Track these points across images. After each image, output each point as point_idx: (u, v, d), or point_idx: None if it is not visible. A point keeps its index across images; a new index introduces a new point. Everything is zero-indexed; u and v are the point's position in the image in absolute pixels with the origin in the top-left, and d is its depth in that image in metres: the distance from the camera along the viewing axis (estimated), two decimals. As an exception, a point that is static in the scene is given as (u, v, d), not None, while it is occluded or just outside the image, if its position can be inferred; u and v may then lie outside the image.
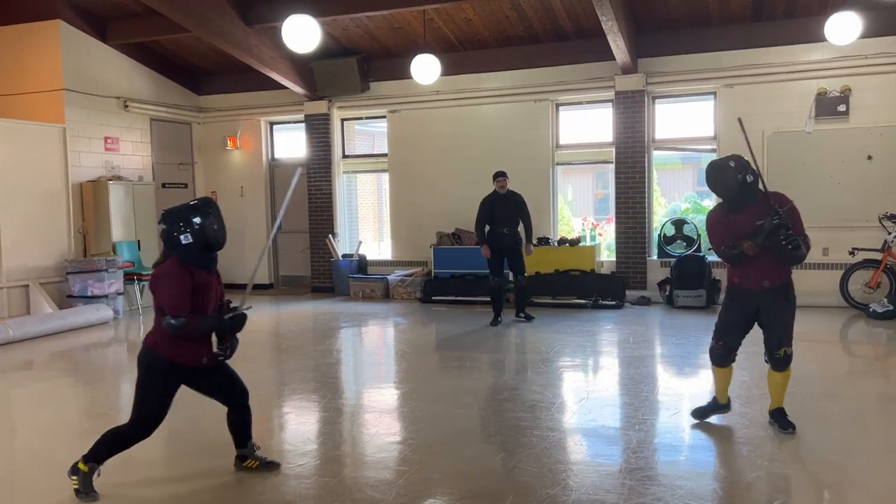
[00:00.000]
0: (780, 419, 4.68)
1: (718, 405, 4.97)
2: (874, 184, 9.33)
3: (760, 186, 4.54)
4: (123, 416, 5.87)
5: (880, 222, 8.95)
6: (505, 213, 8.77)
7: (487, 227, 8.82)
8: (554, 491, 3.85)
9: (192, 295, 3.77)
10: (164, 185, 12.20)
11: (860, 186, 9.39)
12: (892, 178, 9.26)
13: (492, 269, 8.90)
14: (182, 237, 3.78)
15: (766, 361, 4.70)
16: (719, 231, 4.66)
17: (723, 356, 4.83)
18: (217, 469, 4.33)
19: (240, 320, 4.00)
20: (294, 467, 4.36)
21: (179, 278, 3.76)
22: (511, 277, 9.10)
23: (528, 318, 9.00)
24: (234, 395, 4.16)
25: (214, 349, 4.01)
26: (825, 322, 8.55)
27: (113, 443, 3.93)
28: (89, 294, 9.81)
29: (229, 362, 4.11)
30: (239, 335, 4.04)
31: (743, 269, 4.59)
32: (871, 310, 8.68)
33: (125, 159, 11.47)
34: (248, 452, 4.22)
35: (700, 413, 4.96)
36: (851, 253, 9.06)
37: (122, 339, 9.17)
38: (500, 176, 8.84)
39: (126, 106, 11.43)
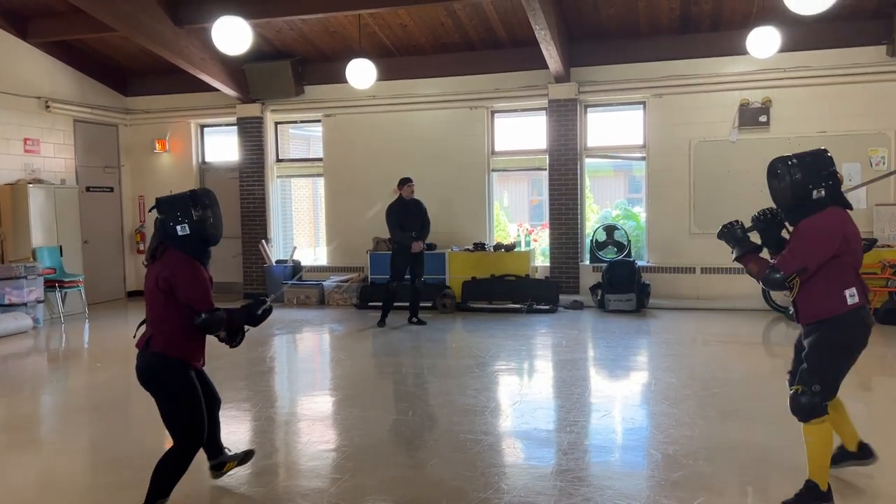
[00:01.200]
0: (799, 492, 3.63)
1: (847, 453, 3.97)
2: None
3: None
4: (43, 428, 5.65)
5: (799, 228, 9.33)
6: (412, 219, 9.01)
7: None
8: (486, 494, 3.86)
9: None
10: (88, 189, 11.77)
11: (780, 194, 9.77)
12: (810, 186, 9.68)
13: (395, 272, 9.12)
14: (178, 227, 3.56)
15: None
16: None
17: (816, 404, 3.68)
18: (141, 480, 4.19)
19: (267, 313, 3.88)
20: (224, 478, 4.25)
21: (200, 270, 3.59)
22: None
23: (422, 323, 9.12)
24: (213, 403, 3.99)
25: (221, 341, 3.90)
26: (749, 325, 8.87)
27: (175, 470, 3.59)
28: (6, 302, 9.37)
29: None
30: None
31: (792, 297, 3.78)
32: (791, 313, 9.01)
33: (47, 161, 11.01)
34: (224, 459, 4.11)
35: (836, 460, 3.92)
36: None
37: (42, 348, 8.78)
38: (407, 182, 9.12)
39: (48, 106, 10.99)
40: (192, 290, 3.53)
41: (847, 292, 3.56)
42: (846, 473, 4.03)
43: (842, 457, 3.90)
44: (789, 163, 3.61)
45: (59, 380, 7.33)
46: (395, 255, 9.17)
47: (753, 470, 4.20)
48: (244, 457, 4.20)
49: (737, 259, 3.90)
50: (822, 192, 3.54)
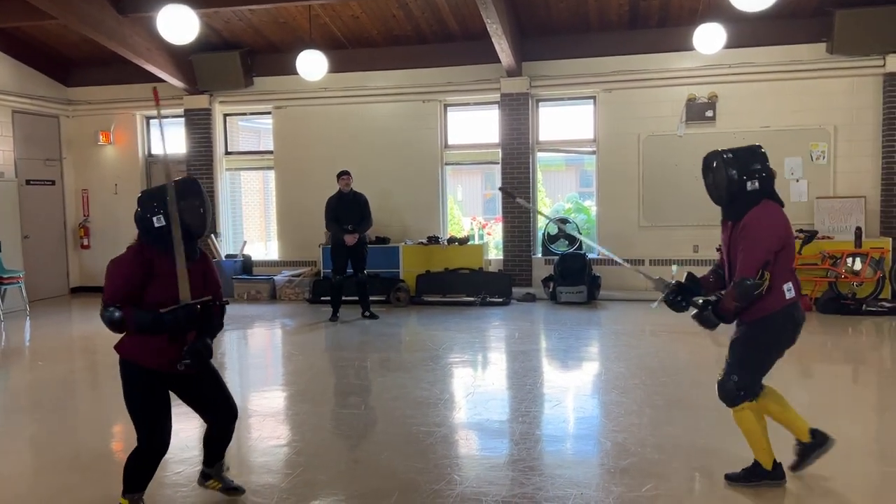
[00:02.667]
0: (744, 471, 3.82)
1: (806, 445, 3.87)
2: (738, 185, 9.97)
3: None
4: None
5: (744, 221, 9.57)
6: (349, 212, 9.01)
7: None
8: (439, 486, 3.87)
9: (145, 286, 3.32)
10: (28, 182, 11.38)
11: (726, 187, 10.01)
12: (754, 179, 9.94)
13: (335, 267, 9.12)
14: (155, 219, 3.35)
15: None
16: (722, 238, 3.86)
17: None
18: (83, 483, 4.09)
19: (185, 316, 3.31)
20: (170, 475, 4.17)
21: (128, 265, 3.36)
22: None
23: (374, 317, 9.12)
24: (220, 413, 3.66)
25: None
26: (696, 315, 9.05)
27: (135, 469, 3.46)
28: (-58, 300, 9.02)
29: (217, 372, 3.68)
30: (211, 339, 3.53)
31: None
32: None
33: (-17, 154, 10.62)
34: (213, 472, 3.82)
35: (796, 466, 3.88)
36: (718, 249, 9.62)
37: (-20, 347, 8.48)
38: (343, 175, 9.17)
39: (-16, 96, 10.59)
40: (105, 282, 3.38)
41: (785, 286, 3.61)
42: (713, 452, 4.15)
43: (804, 453, 3.85)
44: (724, 157, 3.68)
45: (-1, 379, 7.09)
46: (333, 249, 9.19)
47: (700, 457, 4.30)
48: (234, 489, 3.82)
49: (709, 315, 3.71)
50: (756, 185, 3.60)
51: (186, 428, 5.21)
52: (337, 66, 10.34)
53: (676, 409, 5.19)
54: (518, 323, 8.81)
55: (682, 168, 10.15)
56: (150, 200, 3.44)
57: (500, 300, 10.08)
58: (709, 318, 3.67)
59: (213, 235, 11.57)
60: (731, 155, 3.67)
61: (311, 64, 9.46)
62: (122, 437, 5.14)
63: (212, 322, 3.55)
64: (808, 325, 8.30)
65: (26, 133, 11.39)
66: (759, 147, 3.74)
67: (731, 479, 3.84)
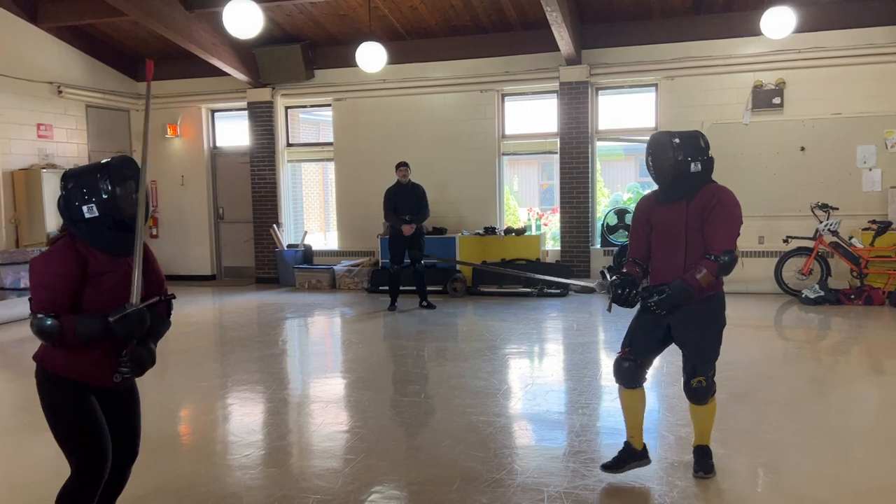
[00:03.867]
0: (699, 458, 3.85)
1: (633, 452, 3.84)
2: (807, 174, 9.67)
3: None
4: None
5: (812, 211, 9.28)
6: (407, 203, 9.08)
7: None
8: (500, 475, 3.89)
9: (81, 287, 2.72)
10: (100, 174, 11.81)
11: (794, 177, 9.72)
12: (824, 168, 9.61)
13: (392, 257, 9.22)
14: (85, 208, 2.71)
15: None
16: (636, 225, 3.89)
17: (629, 371, 3.75)
18: (153, 462, 4.25)
19: (135, 323, 2.72)
20: (238, 458, 4.30)
21: (63, 261, 2.70)
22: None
23: (431, 307, 9.16)
24: (118, 451, 2.92)
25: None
26: (760, 308, 8.84)
27: (76, 502, 2.80)
28: (22, 286, 9.46)
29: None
30: (154, 345, 2.94)
31: (653, 269, 3.79)
32: (803, 296, 9.01)
33: (59, 147, 11.06)
34: None
35: (613, 465, 3.83)
36: (785, 241, 9.37)
37: (57, 332, 8.86)
38: (402, 166, 9.23)
39: (60, 91, 11.02)
40: (32, 287, 2.74)
41: None
42: (778, 448, 4.03)
43: (628, 457, 3.81)
44: (673, 141, 3.67)
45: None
46: (391, 239, 9.28)
47: (765, 452, 4.21)
48: None
49: (677, 292, 3.60)
50: (699, 167, 3.66)
51: (252, 412, 5.37)
52: (396, 58, 10.41)
53: (741, 403, 5.08)
54: (576, 314, 8.75)
55: (747, 157, 9.88)
56: (79, 185, 2.74)
57: (558, 291, 10.02)
58: (679, 294, 3.56)
59: (275, 226, 11.82)
60: (677, 139, 3.68)
61: (371, 56, 9.54)
62: (188, 421, 5.32)
63: (160, 324, 2.95)
64: (881, 319, 8.01)
65: (99, 126, 11.83)
66: (702, 134, 3.80)
67: (702, 471, 3.81)
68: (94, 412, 2.81)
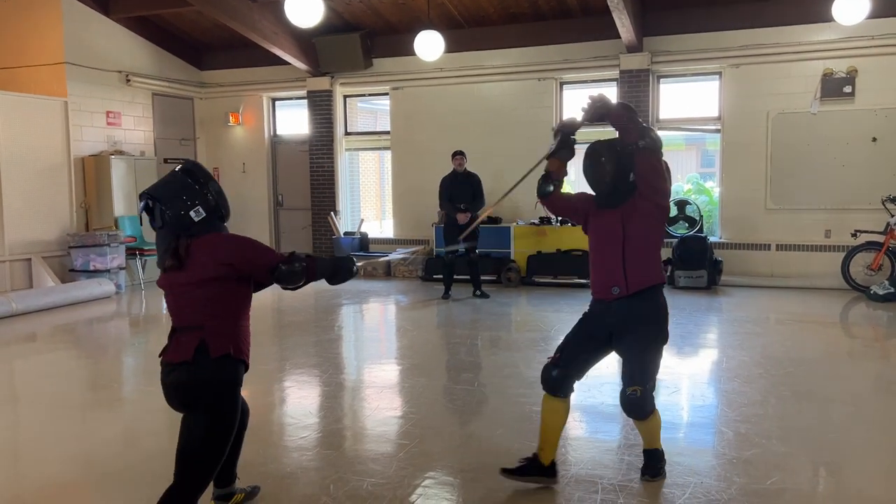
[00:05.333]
0: (647, 461, 3.68)
1: (539, 465, 3.61)
2: (878, 166, 9.29)
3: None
4: (126, 387, 5.94)
5: (883, 205, 8.93)
6: (462, 192, 9.07)
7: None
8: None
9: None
10: (166, 160, 12.17)
11: (864, 169, 9.36)
12: (897, 160, 9.23)
13: (447, 244, 9.21)
14: (193, 213, 2.94)
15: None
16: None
17: (555, 380, 3.54)
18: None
19: (351, 276, 3.23)
20: (295, 440, 4.40)
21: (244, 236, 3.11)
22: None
23: (485, 296, 9.13)
24: (243, 423, 3.34)
25: None
26: (826, 304, 8.56)
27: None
28: (91, 268, 9.83)
29: None
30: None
31: (592, 268, 3.67)
32: (871, 292, 8.68)
33: (127, 134, 11.43)
34: (235, 490, 3.41)
35: (514, 472, 3.64)
36: (854, 235, 9.05)
37: (124, 313, 9.20)
38: (457, 155, 9.23)
39: (128, 80, 11.38)
40: (258, 253, 3.01)
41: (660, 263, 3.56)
42: (842, 447, 3.88)
43: (532, 469, 3.61)
44: (616, 150, 3.55)
45: (140, 343, 7.68)
46: (446, 227, 9.29)
47: (828, 451, 4.09)
48: (251, 491, 3.52)
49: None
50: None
51: (309, 396, 5.48)
52: (453, 46, 10.40)
53: (805, 400, 4.94)
54: (633, 306, 8.62)
55: (814, 148, 9.56)
56: (178, 196, 2.97)
57: (615, 283, 9.88)
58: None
59: (332, 213, 11.99)
60: (619, 148, 3.53)
61: (429, 44, 9.55)
62: (249, 402, 5.45)
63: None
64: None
65: (164, 114, 12.18)
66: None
67: (653, 475, 3.65)
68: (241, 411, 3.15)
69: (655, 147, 3.44)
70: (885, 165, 9.25)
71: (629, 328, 3.44)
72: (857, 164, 9.39)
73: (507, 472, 3.62)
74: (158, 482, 3.80)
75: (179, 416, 2.99)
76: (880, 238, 8.90)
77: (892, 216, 8.80)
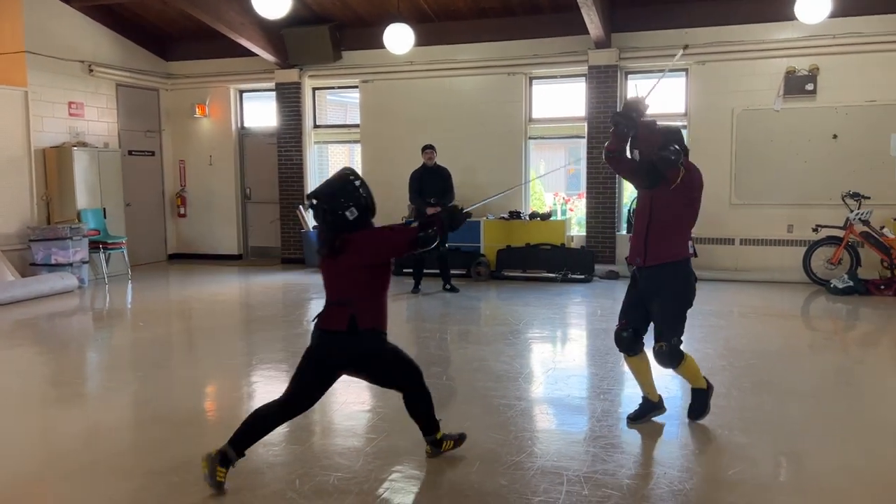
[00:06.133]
0: (694, 400, 4.36)
1: (651, 404, 4.39)
2: (839, 163, 9.50)
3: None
4: (89, 384, 5.84)
5: (843, 200, 9.12)
6: (433, 186, 9.04)
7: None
8: (519, 458, 3.91)
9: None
10: (130, 153, 11.98)
11: (825, 165, 9.56)
12: (856, 157, 9.43)
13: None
14: (348, 213, 3.51)
15: None
16: None
17: (627, 340, 4.26)
18: (179, 437, 4.33)
19: (466, 217, 3.84)
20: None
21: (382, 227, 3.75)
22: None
23: (454, 290, 9.17)
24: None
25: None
26: (788, 297, 8.74)
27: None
28: (53, 262, 9.64)
29: None
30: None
31: (636, 242, 4.23)
32: (832, 286, 8.88)
33: (90, 125, 11.21)
34: (443, 436, 3.96)
35: (636, 417, 4.38)
36: (815, 230, 9.23)
37: (87, 308, 9.04)
38: (427, 149, 9.23)
39: (91, 70, 11.15)
40: (398, 240, 3.65)
41: (689, 241, 4.18)
42: (802, 438, 3.99)
43: (648, 409, 4.37)
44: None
45: (104, 338, 7.56)
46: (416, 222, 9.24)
47: (788, 442, 4.18)
48: (459, 437, 4.03)
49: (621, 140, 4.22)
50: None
51: (276, 391, 5.43)
52: (423, 40, 10.37)
53: (766, 392, 5.04)
54: (600, 300, 8.71)
55: (777, 144, 9.73)
56: (336, 198, 3.53)
57: (582, 277, 9.98)
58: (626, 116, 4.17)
59: (301, 207, 11.91)
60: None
61: (399, 37, 9.52)
62: (214, 397, 5.41)
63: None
64: (911, 311, 7.75)
65: (128, 105, 11.97)
66: (679, 130, 4.28)
67: (697, 416, 4.34)
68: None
69: (666, 165, 3.99)
70: (845, 162, 9.46)
71: (653, 294, 4.11)
72: (818, 161, 9.58)
73: (632, 419, 4.37)
74: (122, 478, 3.76)
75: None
76: (840, 233, 9.09)
77: (852, 211, 9.00)
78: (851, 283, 8.74)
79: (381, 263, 3.65)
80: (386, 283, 3.73)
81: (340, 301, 3.58)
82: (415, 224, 3.73)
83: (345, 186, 3.56)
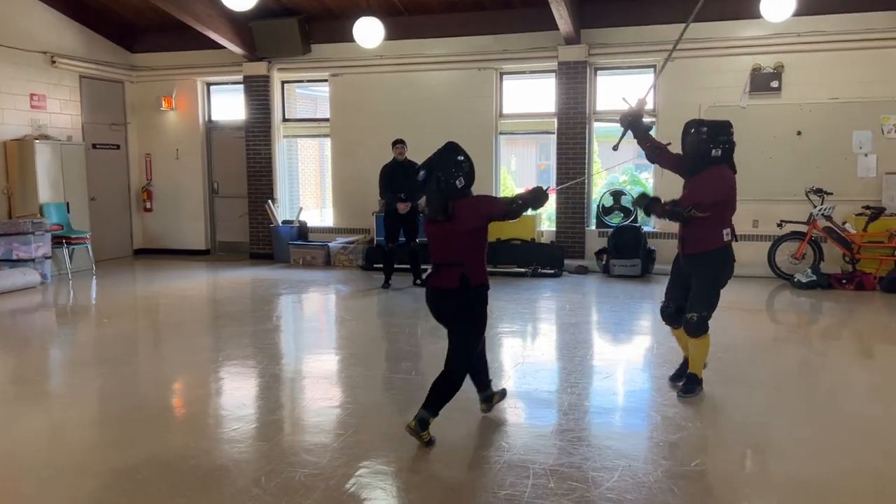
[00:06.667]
0: (686, 381, 4.84)
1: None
2: (802, 159, 9.66)
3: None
4: (51, 381, 5.73)
5: (807, 196, 9.28)
6: (403, 180, 8.95)
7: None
8: (487, 452, 3.93)
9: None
10: (94, 146, 11.75)
11: (789, 161, 9.72)
12: (819, 153, 9.60)
13: (387, 234, 9.21)
14: (457, 182, 4.05)
15: None
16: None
17: (670, 314, 4.98)
18: (144, 433, 4.27)
19: (546, 198, 4.30)
20: (227, 432, 4.33)
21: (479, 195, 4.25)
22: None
23: (424, 285, 9.11)
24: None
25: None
26: (753, 291, 8.87)
27: (447, 393, 4.11)
28: (14, 257, 9.44)
29: None
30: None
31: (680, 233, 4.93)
32: (795, 280, 9.04)
33: (53, 118, 10.98)
34: (492, 391, 4.56)
35: (676, 377, 5.06)
36: (779, 225, 9.39)
37: (49, 304, 8.87)
38: (398, 143, 9.17)
39: (53, 62, 10.91)
40: (497, 206, 4.17)
41: (724, 231, 4.68)
42: (766, 430, 4.07)
43: (685, 369, 4.96)
44: (702, 127, 4.73)
45: (67, 334, 7.42)
46: (387, 217, 9.24)
47: (752, 434, 4.25)
48: (502, 392, 4.71)
49: (648, 207, 4.91)
50: (719, 152, 4.67)
51: (243, 387, 5.40)
52: (393, 34, 10.32)
53: (731, 385, 5.12)
54: (569, 295, 8.77)
55: (743, 141, 9.76)
56: (448, 168, 4.06)
57: (552, 272, 10.04)
58: (650, 207, 4.88)
59: (270, 201, 11.80)
60: (705, 127, 4.74)
61: (368, 31, 9.47)
62: (180, 394, 5.34)
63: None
64: (872, 304, 8.03)
65: (93, 98, 11.74)
66: (729, 123, 4.80)
67: (685, 392, 4.79)
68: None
69: (673, 217, 4.81)
70: (808, 158, 9.63)
71: (690, 276, 4.77)
72: (783, 157, 9.74)
73: (673, 378, 5.05)
74: (86, 476, 3.70)
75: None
76: (804, 228, 9.26)
77: (815, 207, 9.16)
78: (815, 278, 8.91)
79: (483, 227, 4.14)
80: (485, 244, 4.20)
81: (452, 262, 4.06)
82: (515, 198, 4.24)
83: (454, 159, 4.10)
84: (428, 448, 3.97)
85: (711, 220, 4.62)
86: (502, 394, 4.69)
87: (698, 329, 4.71)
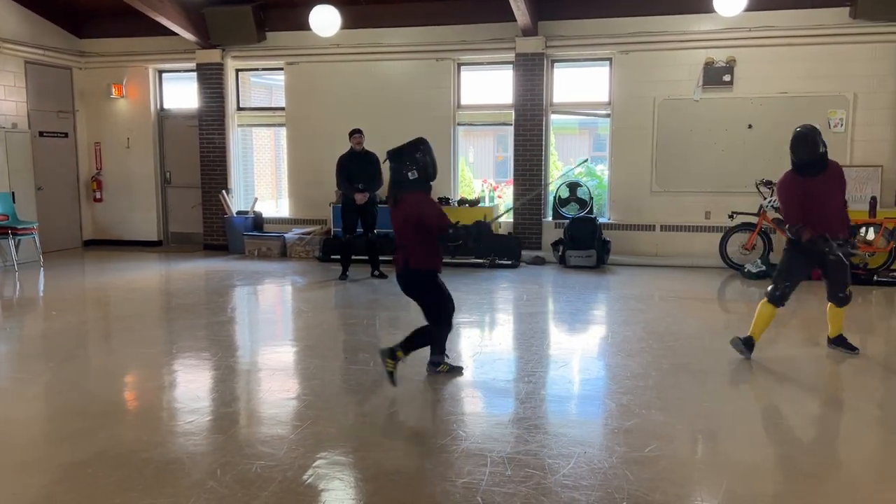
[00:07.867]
0: (844, 343, 5.70)
1: (752, 343, 5.58)
2: (753, 151, 9.89)
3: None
4: (-4, 376, 5.56)
5: (757, 188, 9.50)
6: (361, 171, 8.92)
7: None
8: (445, 441, 3.94)
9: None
10: (41, 134, 11.40)
11: (741, 154, 9.93)
12: (769, 146, 9.82)
13: (345, 225, 9.15)
14: (409, 174, 4.36)
15: (828, 300, 5.61)
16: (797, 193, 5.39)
17: (783, 295, 5.47)
18: (93, 428, 4.17)
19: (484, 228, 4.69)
20: (182, 425, 4.26)
21: (436, 202, 4.71)
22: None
23: (383, 276, 9.14)
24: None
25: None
26: (705, 282, 9.06)
27: (426, 339, 4.81)
28: (-43, 249, 9.11)
29: None
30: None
31: (814, 228, 5.28)
32: (746, 270, 9.26)
33: (-4, 104, 10.62)
34: (442, 359, 5.11)
35: (744, 348, 5.59)
36: (731, 216, 9.59)
37: (-6, 296, 8.60)
38: (355, 133, 9.09)
39: (-3, 46, 10.55)
40: (437, 217, 4.46)
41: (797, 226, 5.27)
42: (717, 416, 4.18)
43: (752, 345, 5.57)
44: (818, 133, 5.42)
45: (13, 327, 7.19)
46: (344, 208, 9.17)
47: (704, 419, 4.35)
48: (456, 368, 5.14)
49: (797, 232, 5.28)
50: (825, 150, 5.37)
51: (198, 380, 5.31)
52: (350, 23, 10.23)
53: (683, 373, 5.23)
54: (526, 286, 8.84)
55: (696, 133, 10.04)
56: (402, 160, 4.51)
57: (509, 263, 10.10)
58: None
59: (224, 192, 11.61)
60: (820, 133, 5.43)
61: (325, 19, 9.37)
62: (132, 387, 5.24)
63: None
64: (819, 294, 8.27)
65: (39, 85, 11.37)
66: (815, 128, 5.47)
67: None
68: (445, 286, 4.92)
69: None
70: (759, 151, 9.85)
71: (828, 262, 5.44)
72: (734, 150, 9.95)
73: (735, 344, 5.63)
74: (34, 472, 3.60)
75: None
76: (754, 219, 9.47)
77: (765, 199, 9.39)
78: (764, 268, 9.13)
79: (420, 224, 4.45)
80: (428, 237, 4.50)
81: (400, 245, 4.56)
82: (459, 224, 4.56)
83: (412, 152, 4.37)
84: (391, 383, 4.66)
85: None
86: (455, 368, 5.11)
87: (768, 294, 5.55)
